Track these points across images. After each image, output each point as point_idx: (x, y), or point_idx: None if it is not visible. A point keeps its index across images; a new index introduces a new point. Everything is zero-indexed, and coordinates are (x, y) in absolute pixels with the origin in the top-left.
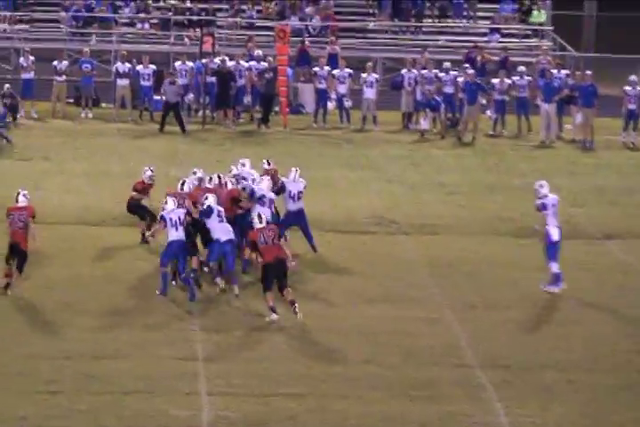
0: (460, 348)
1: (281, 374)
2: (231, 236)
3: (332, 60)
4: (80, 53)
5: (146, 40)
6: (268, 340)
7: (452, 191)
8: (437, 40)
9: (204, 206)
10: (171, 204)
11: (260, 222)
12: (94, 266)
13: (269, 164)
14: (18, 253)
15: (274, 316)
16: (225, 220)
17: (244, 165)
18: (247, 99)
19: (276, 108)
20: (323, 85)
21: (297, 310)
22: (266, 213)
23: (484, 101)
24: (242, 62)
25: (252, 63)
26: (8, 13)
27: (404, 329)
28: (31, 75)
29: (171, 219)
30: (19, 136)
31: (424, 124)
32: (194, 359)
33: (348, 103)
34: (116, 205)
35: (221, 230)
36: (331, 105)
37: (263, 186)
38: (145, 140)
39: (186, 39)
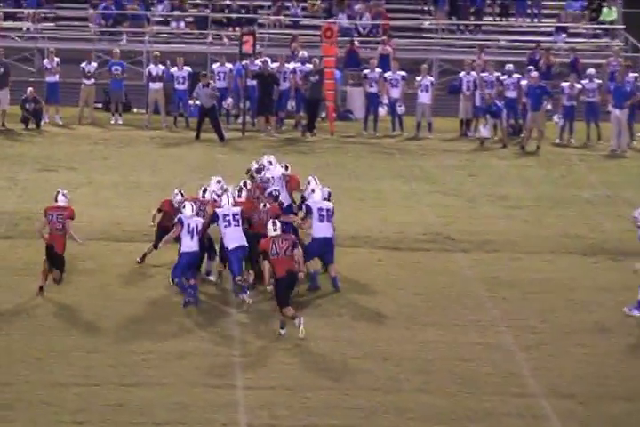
0: (522, 376)
1: (327, 404)
2: (242, 242)
3: (384, 62)
4: (109, 54)
5: (181, 40)
6: (312, 367)
7: (514, 205)
8: (498, 40)
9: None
10: (189, 209)
11: (275, 230)
12: (124, 287)
13: (287, 168)
14: (53, 256)
15: (301, 328)
16: (238, 224)
17: (270, 163)
18: (291, 104)
19: (323, 114)
20: (373, 89)
21: (300, 325)
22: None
23: (549, 107)
24: (285, 64)
25: (297, 65)
26: (32, 10)
27: (461, 355)
28: (56, 78)
29: (188, 225)
30: (42, 144)
31: (484, 131)
32: (232, 388)
33: (400, 109)
34: (147, 219)
35: (231, 236)
36: (382, 111)
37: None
38: (179, 148)
39: (224, 39)
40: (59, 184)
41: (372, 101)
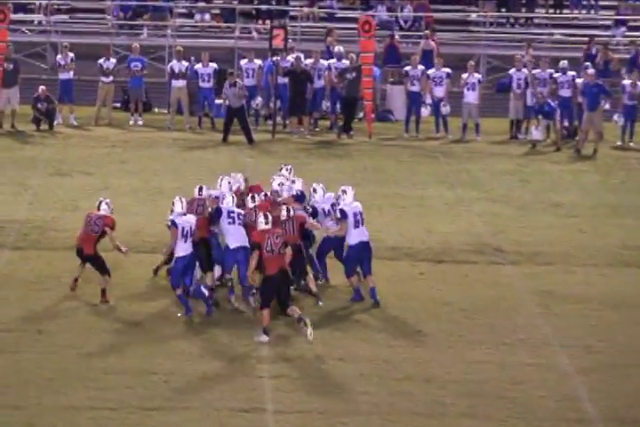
0: (579, 399)
1: None
2: (244, 243)
3: (427, 58)
4: (128, 50)
5: (206, 34)
6: (349, 389)
7: (569, 214)
8: (552, 34)
9: (214, 209)
10: (178, 206)
11: (267, 223)
12: (145, 303)
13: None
14: (86, 259)
15: (263, 337)
16: (241, 222)
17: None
18: (325, 103)
19: (360, 115)
20: (415, 88)
21: (307, 327)
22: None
23: (606, 106)
24: (320, 60)
25: (332, 61)
26: (44, 2)
27: (510, 377)
28: (70, 75)
29: (183, 228)
30: (55, 147)
31: (536, 133)
32: (262, 412)
33: (445, 109)
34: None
35: (233, 235)
36: (425, 111)
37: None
38: (204, 151)
39: (253, 33)
40: (72, 190)
41: (414, 101)
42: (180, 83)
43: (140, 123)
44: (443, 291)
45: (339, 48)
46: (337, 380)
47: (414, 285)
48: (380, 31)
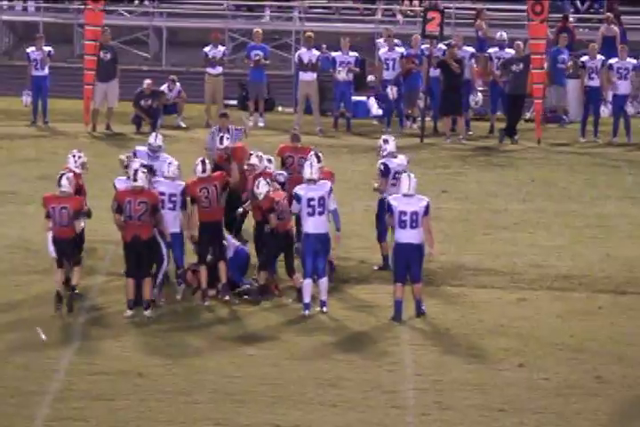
0: None
1: None
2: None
3: (608, 46)
4: (247, 35)
5: (340, 17)
6: None
7: None
8: None
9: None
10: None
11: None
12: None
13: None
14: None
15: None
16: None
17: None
18: (474, 99)
19: (527, 115)
20: (594, 82)
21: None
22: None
23: None
24: (463, 47)
25: (493, 50)
26: None
27: None
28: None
29: None
30: None
31: None
32: None
33: (631, 108)
34: None
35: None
36: (605, 110)
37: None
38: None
39: (398, 15)
40: None
41: (592, 98)
42: (310, 76)
43: (262, 124)
44: (626, 329)
45: (501, 34)
46: None
47: (591, 321)
48: (552, 14)
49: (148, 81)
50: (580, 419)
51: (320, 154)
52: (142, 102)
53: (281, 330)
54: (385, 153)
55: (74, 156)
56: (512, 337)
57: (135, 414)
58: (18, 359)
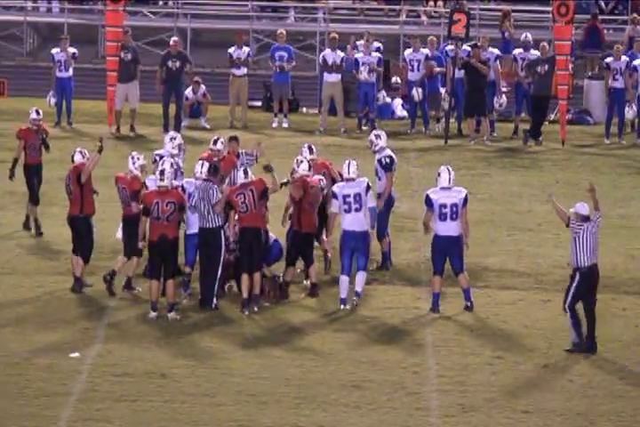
0: None
1: None
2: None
3: (633, 47)
4: (271, 37)
5: (364, 18)
6: None
7: None
8: None
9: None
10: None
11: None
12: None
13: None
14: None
15: (152, 314)
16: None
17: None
18: (498, 101)
19: (551, 117)
20: (618, 83)
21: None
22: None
23: None
24: (489, 49)
25: (518, 52)
26: None
27: None
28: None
29: None
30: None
31: None
32: None
33: None
34: None
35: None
36: (630, 111)
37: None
38: (364, 159)
39: (423, 17)
40: None
41: (617, 99)
42: (334, 77)
43: (286, 125)
44: None
45: (526, 35)
46: None
47: (616, 323)
48: (578, 15)
49: (174, 38)
50: (605, 420)
51: (313, 147)
52: (170, 63)
53: (304, 332)
54: (377, 148)
55: (132, 158)
56: (536, 338)
57: (158, 415)
58: (42, 361)
